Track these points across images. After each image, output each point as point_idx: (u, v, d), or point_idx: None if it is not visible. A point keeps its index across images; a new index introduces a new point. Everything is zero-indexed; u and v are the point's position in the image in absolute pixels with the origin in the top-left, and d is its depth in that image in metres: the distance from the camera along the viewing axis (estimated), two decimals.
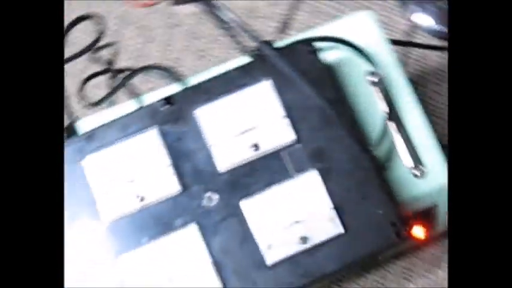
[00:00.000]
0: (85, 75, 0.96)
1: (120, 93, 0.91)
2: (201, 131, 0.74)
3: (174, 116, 0.75)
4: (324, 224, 0.71)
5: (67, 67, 0.88)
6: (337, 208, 0.72)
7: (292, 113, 0.74)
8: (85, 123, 0.80)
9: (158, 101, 0.75)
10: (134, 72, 0.93)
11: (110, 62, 0.98)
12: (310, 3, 1.05)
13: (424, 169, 0.76)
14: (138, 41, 1.06)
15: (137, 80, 0.94)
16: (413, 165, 0.76)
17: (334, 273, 0.73)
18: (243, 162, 0.73)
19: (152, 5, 1.05)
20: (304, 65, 0.75)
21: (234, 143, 0.73)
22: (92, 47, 0.95)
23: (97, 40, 0.96)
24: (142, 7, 1.04)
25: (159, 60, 1.04)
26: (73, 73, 0.98)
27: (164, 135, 0.74)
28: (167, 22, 1.08)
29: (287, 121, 0.73)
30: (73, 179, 0.74)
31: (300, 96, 0.74)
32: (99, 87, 0.97)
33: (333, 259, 0.71)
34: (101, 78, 0.97)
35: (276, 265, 0.71)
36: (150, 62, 1.02)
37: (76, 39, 0.97)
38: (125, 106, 0.81)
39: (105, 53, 1.00)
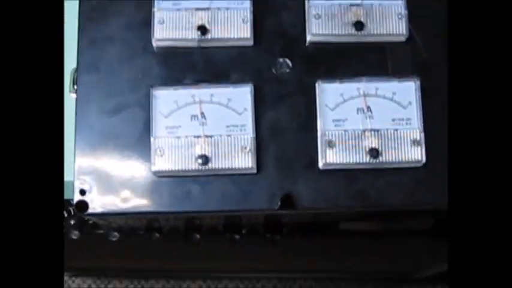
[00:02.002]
0: None
1: None
2: None
3: None
4: (406, 145, 0.56)
5: None
6: (427, 134, 0.57)
7: (416, 10, 0.59)
8: None
9: None
10: None
11: None
12: None
13: None
14: None
15: None
16: None
17: (391, 211, 0.57)
18: (339, 40, 0.59)
19: None
20: None
21: (335, 13, 0.58)
22: None
23: None
24: None
25: None
26: None
27: None
28: None
29: (405, 13, 0.58)
30: None
31: None
32: None
33: (400, 192, 0.57)
34: None
35: (328, 172, 0.57)
36: None
37: None
38: None
39: None
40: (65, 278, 1.04)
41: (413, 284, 1.03)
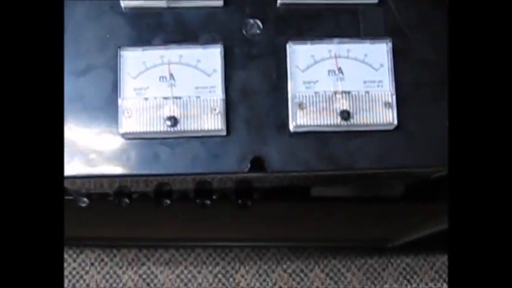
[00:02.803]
0: None
1: None
2: None
3: None
4: (377, 107, 0.55)
5: None
6: (398, 97, 0.57)
7: None
8: None
9: None
10: None
11: None
12: None
13: None
14: None
15: None
16: None
17: (362, 174, 0.57)
18: (311, 1, 0.59)
19: None
20: None
21: None
22: None
23: None
24: None
25: None
26: None
27: None
28: None
29: None
30: None
31: None
32: None
33: (371, 154, 0.57)
34: None
35: (299, 134, 0.56)
36: None
37: None
38: None
39: None
40: None
41: (386, 252, 1.02)
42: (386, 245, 0.96)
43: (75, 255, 1.01)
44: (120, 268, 1.01)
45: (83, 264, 1.01)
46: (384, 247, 0.99)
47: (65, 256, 1.02)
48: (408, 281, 1.01)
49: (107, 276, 1.01)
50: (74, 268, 1.01)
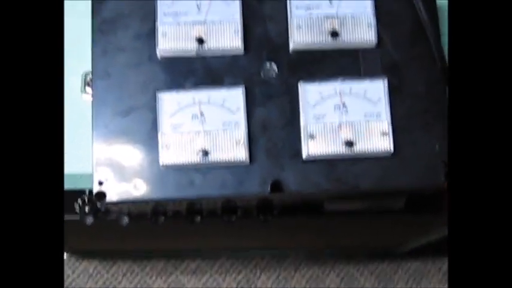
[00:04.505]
0: None
1: None
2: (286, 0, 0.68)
3: None
4: (376, 136, 0.65)
5: None
6: (394, 127, 0.65)
7: (382, 16, 0.68)
8: None
9: None
10: None
11: None
12: None
13: None
14: None
15: None
16: None
17: (366, 192, 0.66)
18: (318, 47, 0.67)
19: None
20: None
21: (314, 25, 0.67)
22: None
23: None
24: None
25: None
26: None
27: None
28: None
29: (373, 21, 0.67)
30: None
31: (396, 1, 0.68)
32: None
33: (372, 177, 0.65)
34: None
35: (310, 161, 0.65)
36: None
37: None
38: None
39: None
40: (72, 260, 1.08)
41: (396, 257, 1.08)
42: (396, 250, 1.02)
43: (108, 267, 1.07)
44: (150, 278, 1.08)
45: (115, 275, 1.07)
46: (394, 253, 1.05)
47: (99, 267, 1.07)
48: (418, 283, 1.07)
49: (138, 286, 1.07)
50: (108, 279, 1.06)
